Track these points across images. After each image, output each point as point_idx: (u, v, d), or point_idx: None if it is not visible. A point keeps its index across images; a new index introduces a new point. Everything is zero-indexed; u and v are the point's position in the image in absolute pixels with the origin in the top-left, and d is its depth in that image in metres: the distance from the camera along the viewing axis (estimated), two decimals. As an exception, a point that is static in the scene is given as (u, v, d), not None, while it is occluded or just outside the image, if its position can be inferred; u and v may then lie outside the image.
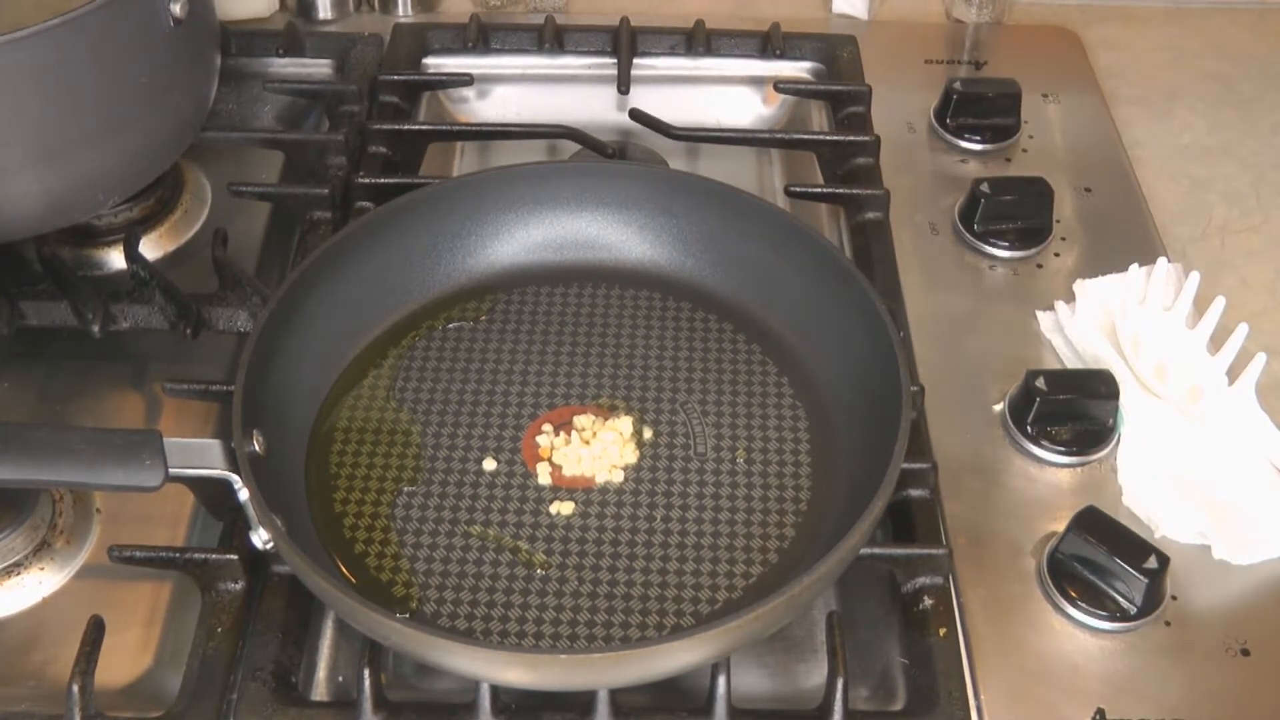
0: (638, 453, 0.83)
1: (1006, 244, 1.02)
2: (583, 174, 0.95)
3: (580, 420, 0.85)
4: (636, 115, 1.10)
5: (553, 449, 0.83)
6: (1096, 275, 0.96)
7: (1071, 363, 0.93)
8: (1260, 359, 0.86)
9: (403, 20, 1.25)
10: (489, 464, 0.82)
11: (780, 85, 1.16)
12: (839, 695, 0.71)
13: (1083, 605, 0.79)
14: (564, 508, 0.80)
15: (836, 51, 1.20)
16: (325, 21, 1.25)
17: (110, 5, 0.82)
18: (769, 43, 1.20)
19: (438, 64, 1.21)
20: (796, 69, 1.20)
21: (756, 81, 1.21)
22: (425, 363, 0.88)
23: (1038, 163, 1.10)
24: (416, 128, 1.12)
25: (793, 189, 1.05)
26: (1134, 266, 0.94)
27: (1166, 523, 0.83)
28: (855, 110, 1.13)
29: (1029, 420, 0.88)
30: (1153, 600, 0.78)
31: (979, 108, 1.12)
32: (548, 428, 0.84)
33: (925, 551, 0.79)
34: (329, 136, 1.07)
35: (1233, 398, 0.87)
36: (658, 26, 1.20)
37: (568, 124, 1.09)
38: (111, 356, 0.95)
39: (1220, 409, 0.87)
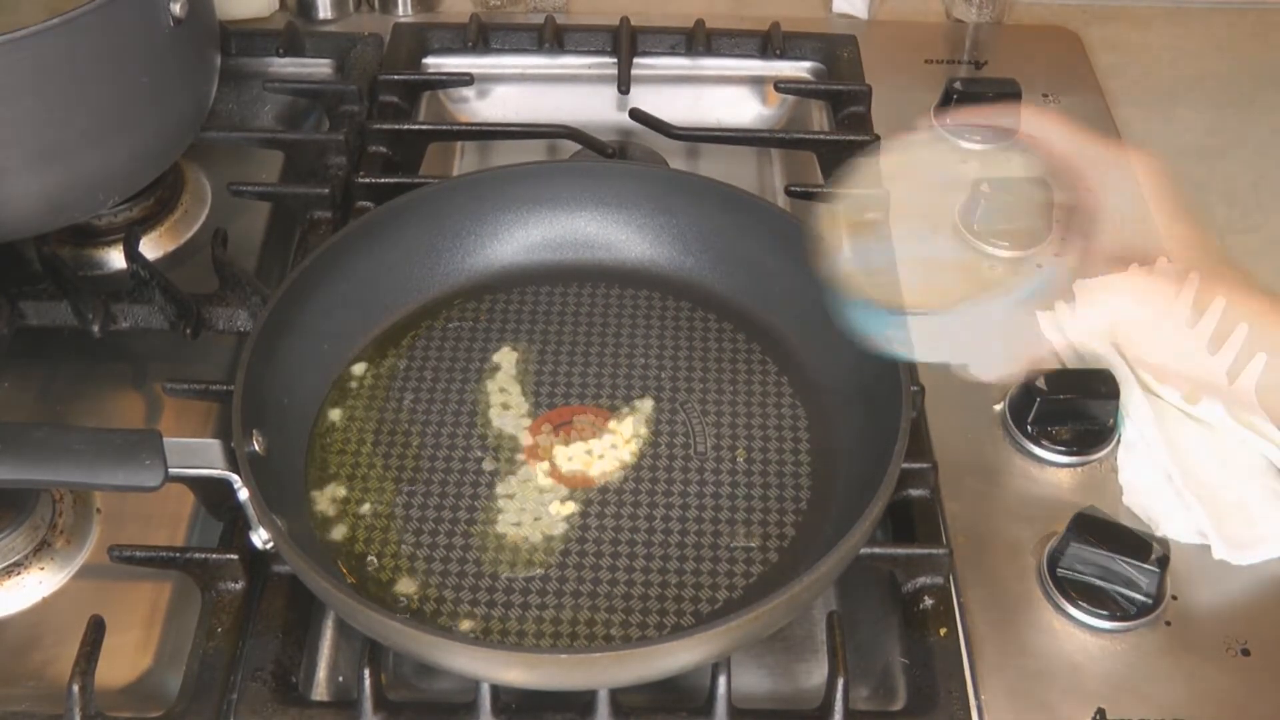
0: (637, 452, 0.83)
1: (1006, 244, 1.01)
2: (583, 174, 0.95)
3: (580, 420, 0.85)
4: (636, 115, 1.11)
5: (553, 448, 0.83)
6: (1096, 275, 0.96)
7: (1071, 363, 0.93)
8: (1260, 359, 0.86)
9: (403, 20, 1.25)
10: (488, 464, 0.82)
11: (780, 85, 1.16)
12: (839, 695, 0.71)
13: (1083, 605, 0.79)
14: (564, 508, 0.80)
15: (836, 51, 1.20)
16: (325, 21, 1.25)
17: (110, 5, 0.82)
18: (769, 43, 1.20)
19: (438, 64, 1.21)
20: (796, 69, 1.20)
21: (756, 81, 1.21)
22: (425, 362, 0.88)
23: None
24: (416, 128, 1.12)
25: (793, 189, 1.05)
26: (1134, 266, 0.94)
27: (1166, 523, 0.83)
28: (855, 110, 1.13)
29: (1029, 420, 0.88)
30: (1160, 593, 0.79)
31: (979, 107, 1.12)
32: (547, 427, 0.84)
33: (925, 551, 0.79)
34: (329, 136, 1.07)
35: (1233, 398, 0.87)
36: (658, 26, 1.20)
37: (568, 124, 1.09)
38: (111, 356, 0.95)
39: (1220, 409, 0.87)
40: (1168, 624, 0.79)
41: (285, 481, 0.79)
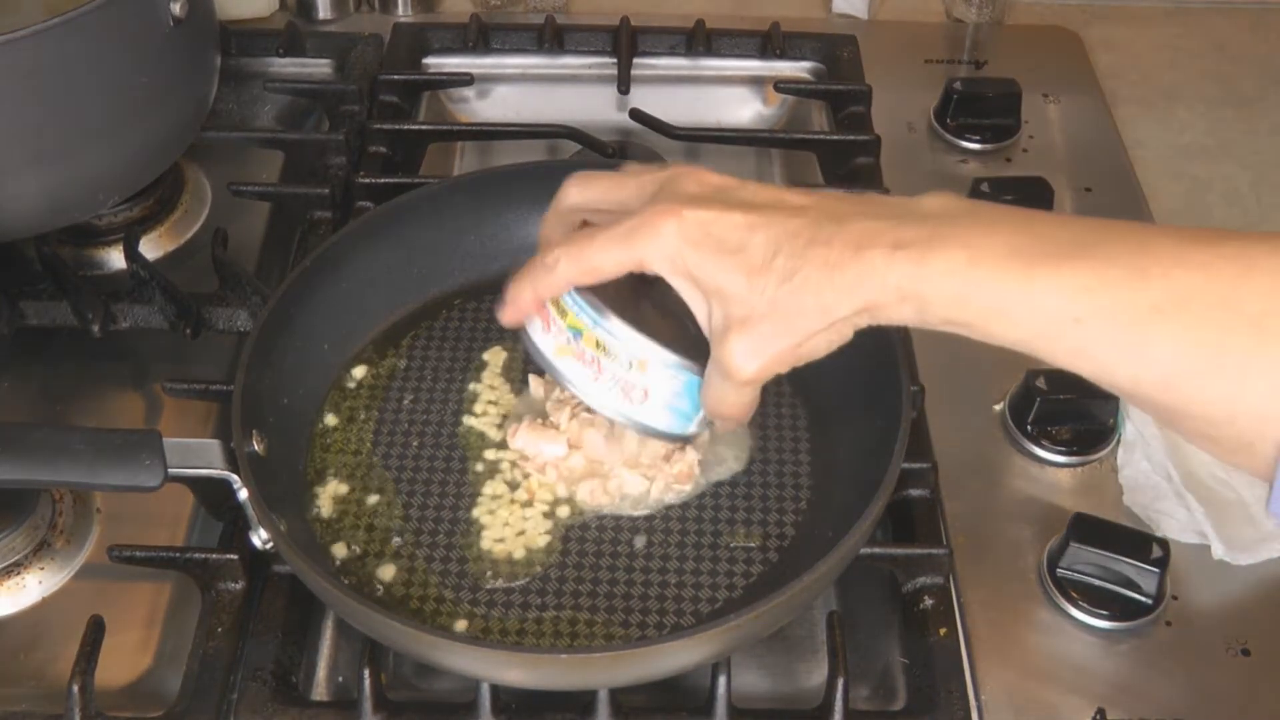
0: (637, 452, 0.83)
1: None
2: (583, 174, 0.95)
3: (582, 417, 0.84)
4: (637, 115, 1.11)
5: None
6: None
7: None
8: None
9: (403, 20, 1.25)
10: (490, 463, 0.82)
11: (780, 85, 1.16)
12: (839, 695, 0.71)
13: (1083, 605, 0.79)
14: (564, 507, 0.80)
15: (836, 51, 1.20)
16: (325, 21, 1.25)
17: (110, 5, 0.82)
18: (769, 43, 1.20)
19: (438, 64, 1.21)
20: (796, 69, 1.20)
21: (756, 81, 1.21)
22: (425, 362, 0.88)
23: (1038, 162, 1.10)
24: (417, 127, 1.12)
25: (793, 189, 1.05)
26: None
27: (1166, 523, 0.83)
28: (855, 110, 1.13)
29: (1029, 420, 0.88)
30: (1160, 593, 0.79)
31: (979, 107, 1.12)
32: (552, 425, 0.84)
33: (925, 551, 0.79)
34: (329, 136, 1.08)
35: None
36: (658, 26, 1.20)
37: (568, 124, 1.09)
38: (111, 356, 0.95)
39: None
40: (1168, 624, 0.79)
41: (285, 481, 0.79)
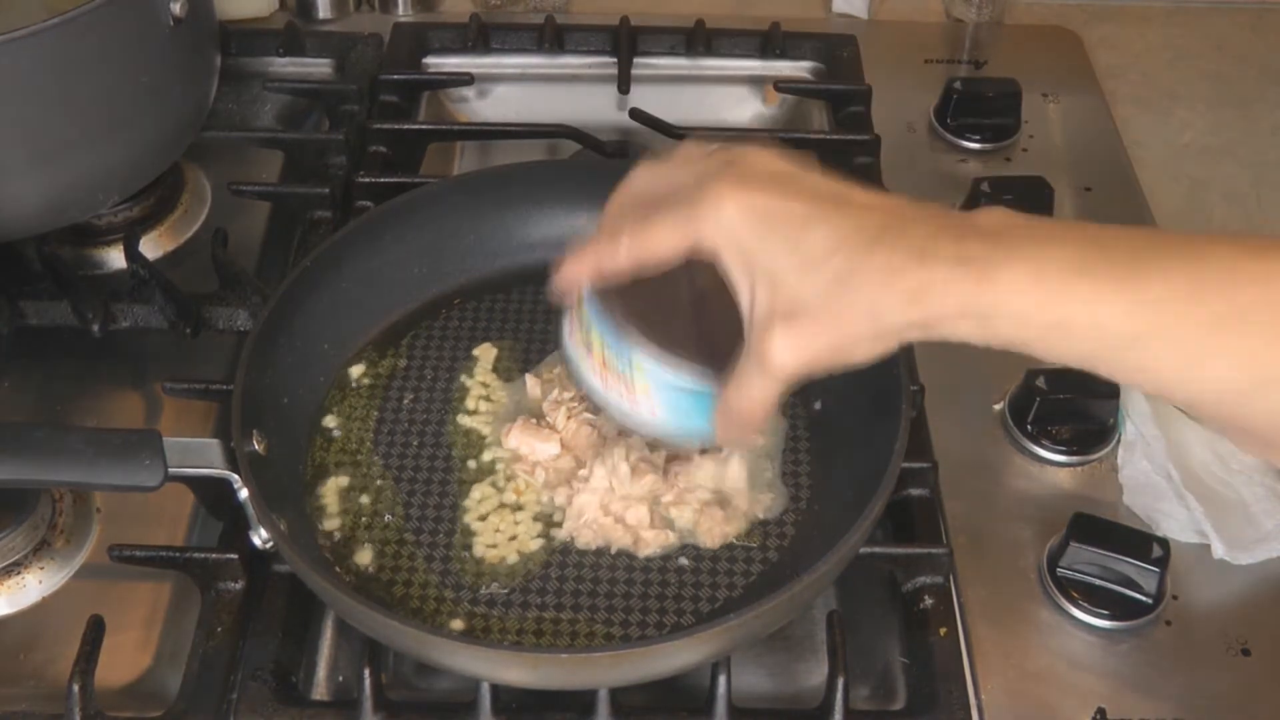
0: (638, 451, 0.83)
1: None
2: (582, 173, 0.95)
3: (580, 418, 0.84)
4: (637, 115, 1.10)
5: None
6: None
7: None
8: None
9: (403, 20, 1.25)
10: (489, 462, 0.82)
11: (780, 85, 1.16)
12: (839, 695, 0.71)
13: (1083, 605, 0.79)
14: (564, 500, 0.80)
15: (836, 51, 1.20)
16: (325, 21, 1.25)
17: (110, 5, 0.82)
18: (769, 42, 1.20)
19: (438, 63, 1.21)
20: (796, 68, 1.20)
21: (756, 81, 1.21)
22: (424, 362, 0.88)
23: (1038, 162, 1.10)
24: (416, 127, 1.12)
25: (793, 189, 1.05)
26: None
27: (1166, 523, 0.83)
28: (855, 110, 1.13)
29: (1029, 419, 0.88)
30: (1160, 592, 0.79)
31: (979, 107, 1.12)
32: (548, 425, 0.84)
33: (925, 551, 0.79)
34: (329, 136, 1.08)
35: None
36: (658, 26, 1.20)
37: (568, 124, 1.09)
38: (111, 356, 0.95)
39: None
40: (1168, 624, 0.79)
41: (285, 481, 0.79)
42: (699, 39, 1.19)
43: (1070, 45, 1.24)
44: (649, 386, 0.67)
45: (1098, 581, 0.79)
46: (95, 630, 0.73)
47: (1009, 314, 0.55)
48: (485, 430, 0.84)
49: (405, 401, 0.86)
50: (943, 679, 0.74)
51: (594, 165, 1.03)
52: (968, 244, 0.56)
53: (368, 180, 1.03)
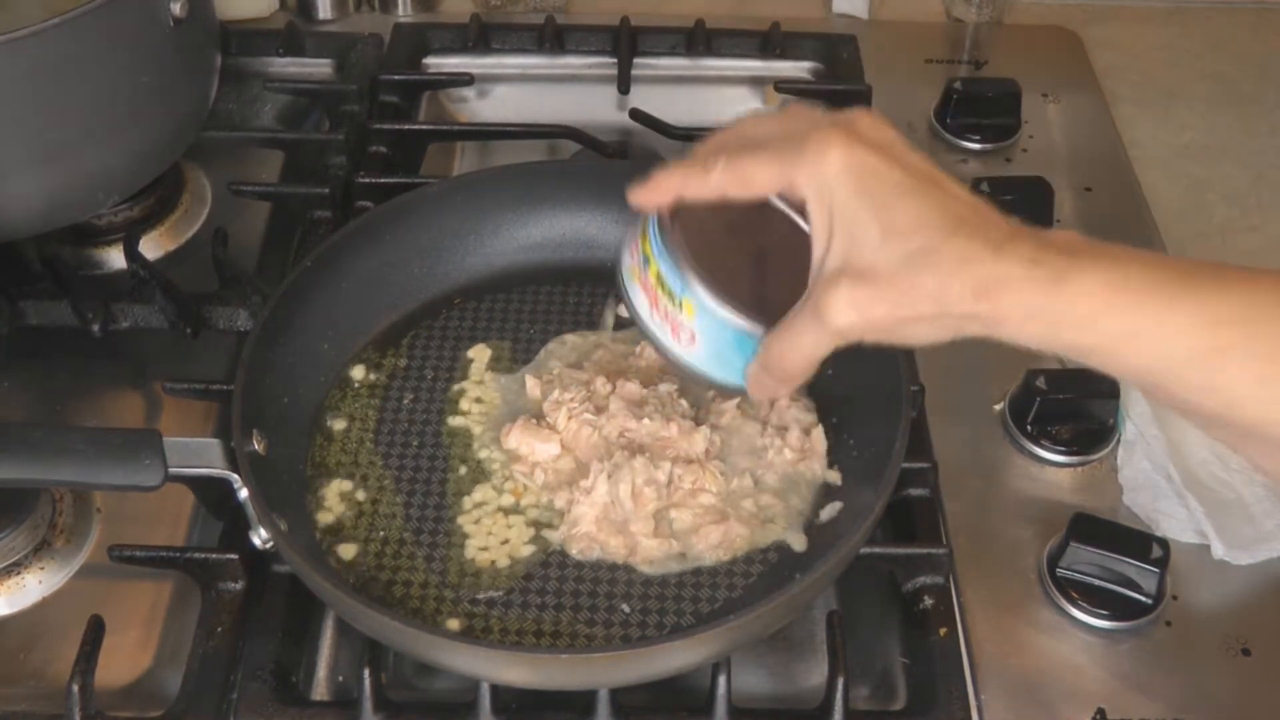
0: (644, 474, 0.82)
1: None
2: (582, 173, 0.95)
3: (581, 418, 0.84)
4: (637, 115, 1.10)
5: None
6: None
7: (1072, 362, 0.93)
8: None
9: (403, 20, 1.25)
10: (489, 462, 0.82)
11: (780, 85, 1.16)
12: (839, 695, 0.71)
13: (1083, 605, 0.79)
14: (564, 504, 0.80)
15: (836, 51, 1.20)
16: (325, 21, 1.25)
17: (110, 5, 0.82)
18: (769, 42, 1.20)
19: (438, 64, 1.21)
20: (796, 69, 1.20)
21: (756, 81, 1.21)
22: (425, 362, 0.88)
23: (1038, 162, 1.10)
24: (417, 127, 1.12)
25: (793, 189, 1.05)
26: None
27: (1166, 523, 0.83)
28: (855, 110, 1.13)
29: (1029, 420, 0.88)
30: (1160, 592, 0.79)
31: (979, 107, 1.12)
32: (548, 425, 0.84)
33: (926, 551, 0.79)
34: (329, 136, 1.08)
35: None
36: (658, 26, 1.20)
37: (568, 124, 1.09)
38: (111, 356, 0.95)
39: None
40: (1168, 624, 0.79)
41: (285, 481, 0.79)
42: (699, 39, 1.19)
43: (1070, 45, 1.24)
44: (695, 317, 0.66)
45: (1098, 581, 0.79)
46: (95, 630, 0.73)
47: (1078, 320, 0.56)
48: (485, 431, 0.84)
49: (405, 401, 0.86)
50: (943, 679, 0.74)
51: (594, 165, 1.03)
52: (1044, 250, 0.56)
53: (368, 180, 1.03)
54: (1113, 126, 1.15)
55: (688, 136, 1.10)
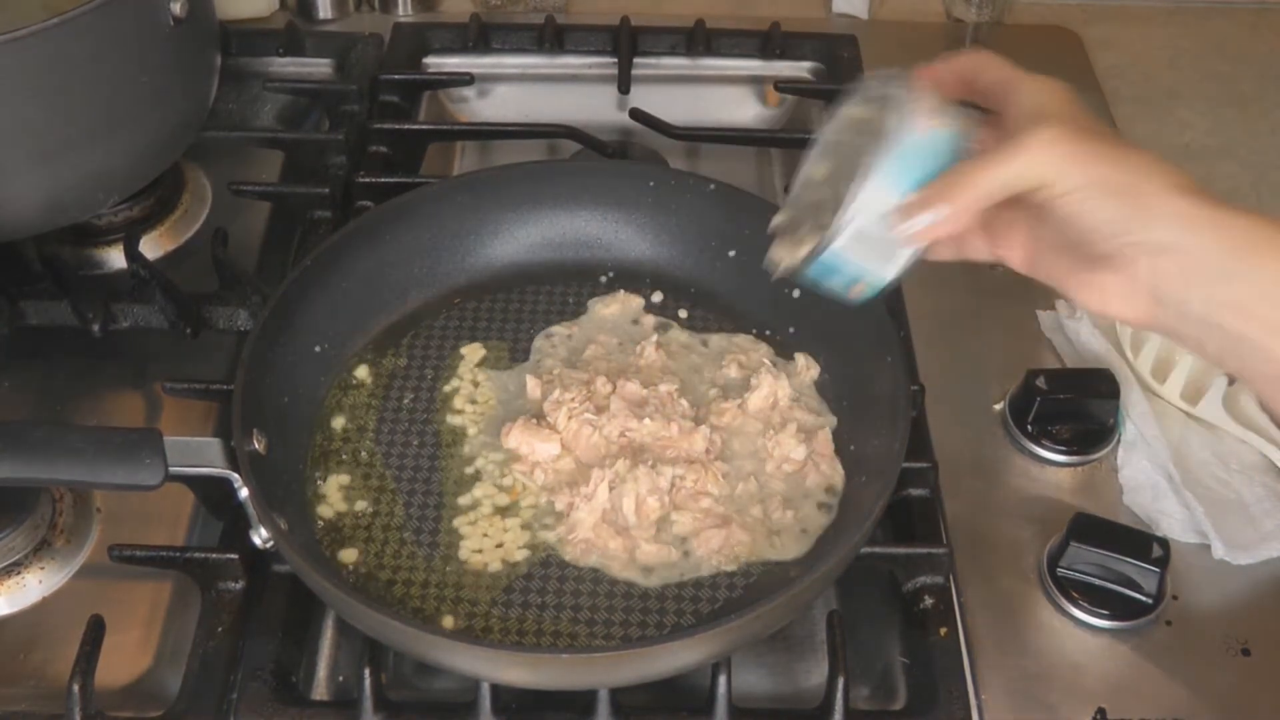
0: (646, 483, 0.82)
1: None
2: (583, 173, 0.95)
3: (581, 418, 0.84)
4: (637, 115, 1.10)
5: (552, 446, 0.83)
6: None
7: (1072, 362, 0.93)
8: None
9: (403, 20, 1.25)
10: (488, 462, 0.82)
11: (780, 85, 1.16)
12: (839, 694, 0.71)
13: (1083, 605, 0.79)
14: (564, 506, 0.80)
15: (836, 51, 1.20)
16: (325, 21, 1.25)
17: (110, 5, 0.82)
18: (769, 42, 1.20)
19: (438, 63, 1.21)
20: (796, 69, 1.20)
21: (756, 81, 1.21)
22: (425, 362, 0.88)
23: (1038, 162, 1.10)
24: (417, 127, 1.12)
25: (793, 189, 1.05)
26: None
27: (1166, 522, 0.83)
28: (855, 110, 1.13)
29: (1029, 420, 0.88)
30: (1160, 592, 0.79)
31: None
32: (548, 425, 0.84)
33: (926, 551, 0.79)
34: (329, 136, 1.08)
35: (1233, 397, 0.87)
36: (658, 26, 1.20)
37: (568, 123, 1.09)
38: (111, 356, 0.95)
39: (1220, 408, 0.87)
40: (1168, 624, 0.79)
41: (285, 481, 0.79)
42: (699, 39, 1.19)
43: (1070, 45, 1.24)
44: (873, 192, 0.63)
45: (1098, 581, 0.79)
46: (95, 630, 0.73)
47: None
48: (482, 431, 0.84)
49: (405, 401, 0.86)
50: (943, 679, 0.74)
51: (594, 165, 1.03)
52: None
53: (368, 180, 1.03)
54: (1113, 126, 1.15)
55: (688, 136, 1.10)
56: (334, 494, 0.80)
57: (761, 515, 0.78)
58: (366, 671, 0.71)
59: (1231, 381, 0.86)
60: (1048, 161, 0.59)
